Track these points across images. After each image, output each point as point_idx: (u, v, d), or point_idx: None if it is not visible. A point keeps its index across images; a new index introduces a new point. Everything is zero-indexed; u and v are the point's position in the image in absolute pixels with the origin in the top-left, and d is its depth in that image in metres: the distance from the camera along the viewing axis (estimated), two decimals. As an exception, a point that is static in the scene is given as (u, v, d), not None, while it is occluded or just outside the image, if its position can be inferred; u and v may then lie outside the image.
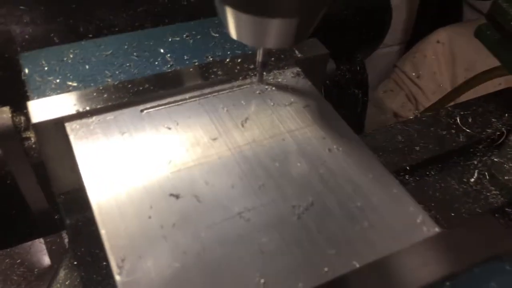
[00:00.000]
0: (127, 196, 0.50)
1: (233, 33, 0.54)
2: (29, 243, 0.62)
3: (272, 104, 0.61)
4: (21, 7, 0.71)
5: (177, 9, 0.77)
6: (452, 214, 0.80)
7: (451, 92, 1.39)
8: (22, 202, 0.66)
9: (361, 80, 1.20)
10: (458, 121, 0.91)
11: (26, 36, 0.71)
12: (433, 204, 0.80)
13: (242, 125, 0.58)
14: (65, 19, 0.73)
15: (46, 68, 0.63)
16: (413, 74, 1.95)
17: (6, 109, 0.59)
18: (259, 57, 0.60)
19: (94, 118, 0.57)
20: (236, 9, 0.49)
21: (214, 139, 0.56)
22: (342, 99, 1.09)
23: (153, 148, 0.55)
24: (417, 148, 0.87)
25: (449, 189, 0.83)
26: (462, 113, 0.92)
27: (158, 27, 0.71)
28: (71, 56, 0.65)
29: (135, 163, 0.53)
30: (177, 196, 0.50)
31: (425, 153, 0.86)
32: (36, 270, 0.59)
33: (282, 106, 0.61)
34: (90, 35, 0.74)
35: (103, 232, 0.47)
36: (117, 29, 0.73)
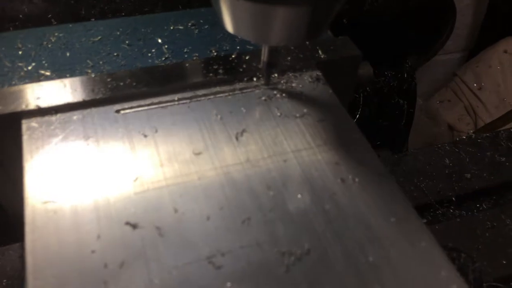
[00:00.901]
0: (72, 221, 0.39)
1: (229, 25, 0.42)
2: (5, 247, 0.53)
3: (278, 114, 0.48)
4: (17, -18, 0.62)
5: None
6: (504, 262, 0.64)
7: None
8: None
9: (408, 90, 1.05)
10: (522, 147, 0.75)
11: (20, 16, 0.62)
12: (480, 247, 0.65)
13: (237, 138, 0.46)
14: None
15: (20, 52, 0.53)
16: (475, 85, 1.75)
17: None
18: (264, 56, 0.47)
19: (58, 116, 0.47)
20: None
21: (198, 154, 0.44)
22: (383, 109, 0.95)
23: (119, 160, 0.43)
24: (468, 175, 0.72)
25: (502, 229, 0.67)
26: (528, 137, 0.76)
27: (161, 13, 0.60)
28: (53, 40, 0.55)
29: (93, 177, 0.42)
30: (134, 226, 0.39)
31: (477, 182, 0.71)
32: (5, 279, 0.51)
33: (291, 118, 0.48)
34: (93, 20, 0.63)
35: (29, 263, 0.36)
36: (123, 14, 0.63)
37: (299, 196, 0.41)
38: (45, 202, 0.40)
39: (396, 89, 1.02)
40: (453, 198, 0.69)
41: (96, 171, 0.42)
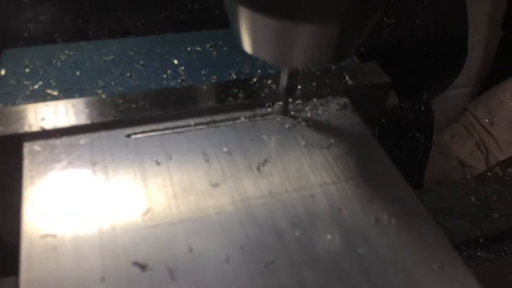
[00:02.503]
0: (73, 259, 0.33)
1: (247, 45, 0.38)
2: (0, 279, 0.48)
3: (303, 143, 0.43)
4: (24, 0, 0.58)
5: (206, 19, 0.61)
6: (537, 312, 0.58)
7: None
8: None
9: (425, 122, 1.00)
10: (553, 185, 0.70)
11: (25, 34, 0.58)
12: (510, 293, 0.59)
13: (258, 169, 0.41)
14: (73, 18, 0.59)
15: (27, 70, 0.49)
16: (486, 120, 1.71)
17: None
18: (283, 81, 0.43)
19: (63, 139, 0.42)
20: (251, 9, 0.33)
21: (216, 185, 0.39)
22: (399, 143, 0.90)
23: (128, 190, 0.38)
24: (496, 215, 0.66)
25: (534, 275, 0.62)
26: (558, 175, 0.71)
27: (177, 33, 0.56)
28: (63, 58, 0.51)
29: (99, 209, 0.37)
30: (143, 267, 0.33)
31: (505, 223, 0.66)
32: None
33: (317, 148, 0.43)
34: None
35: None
36: (132, 35, 0.59)
37: (328, 236, 0.36)
38: (44, 236, 0.35)
39: (413, 121, 0.97)
40: (481, 240, 0.63)
41: (103, 201, 0.37)
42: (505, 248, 0.64)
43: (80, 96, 0.46)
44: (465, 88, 1.84)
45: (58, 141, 0.42)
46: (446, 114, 1.79)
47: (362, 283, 0.33)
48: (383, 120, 0.80)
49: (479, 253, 0.63)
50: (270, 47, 0.36)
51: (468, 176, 1.69)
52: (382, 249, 0.36)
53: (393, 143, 0.94)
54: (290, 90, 0.43)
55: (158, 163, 0.41)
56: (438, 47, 0.89)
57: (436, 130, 1.84)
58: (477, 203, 0.67)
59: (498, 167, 1.44)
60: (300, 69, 0.46)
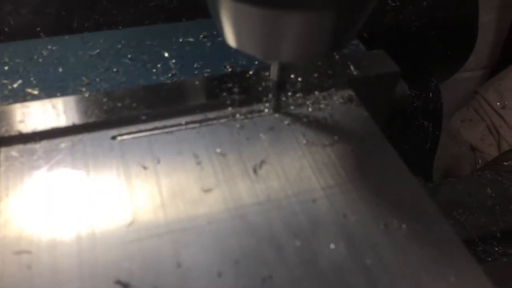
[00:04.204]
0: (50, 279, 0.30)
1: (230, 38, 0.33)
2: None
3: (304, 142, 0.39)
4: (4, -8, 0.54)
5: (199, 7, 0.57)
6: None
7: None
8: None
9: (433, 110, 0.95)
10: None
11: (6, 29, 0.54)
12: (530, 293, 0.55)
13: (255, 171, 0.37)
14: (57, 10, 0.55)
15: (6, 68, 0.45)
16: (498, 103, 1.65)
17: None
18: (274, 74, 0.38)
19: (42, 143, 0.38)
20: None
21: (208, 191, 0.36)
22: (406, 132, 0.85)
23: (112, 199, 0.35)
24: (514, 208, 0.62)
25: (556, 272, 0.58)
26: None
27: (169, 24, 0.52)
28: (45, 53, 0.47)
29: (79, 220, 0.33)
30: (126, 286, 0.30)
31: (524, 216, 0.61)
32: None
33: (320, 147, 0.39)
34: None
35: None
36: (120, 27, 0.55)
37: (332, 246, 0.32)
38: (18, 253, 0.31)
39: (420, 109, 0.92)
40: (498, 234, 0.59)
41: (84, 213, 0.34)
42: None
43: (62, 94, 0.43)
44: (475, 71, 1.78)
45: (37, 146, 0.38)
46: (455, 98, 1.73)
47: (371, 300, 0.30)
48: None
49: (496, 248, 0.59)
50: (256, 40, 0.32)
51: (480, 161, 1.64)
52: (392, 259, 0.32)
53: (400, 133, 0.90)
54: (282, 85, 0.39)
55: (145, 168, 0.37)
56: (446, 30, 0.84)
57: (445, 115, 1.78)
58: (493, 195, 0.63)
59: None
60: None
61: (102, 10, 0.55)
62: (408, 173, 0.37)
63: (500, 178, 0.65)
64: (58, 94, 0.42)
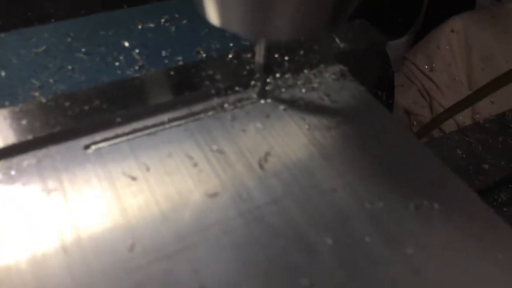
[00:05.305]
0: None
1: (213, 16, 0.28)
2: None
3: (307, 127, 0.35)
4: None
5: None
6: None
7: (481, 90, 1.14)
8: None
9: (385, 79, 0.94)
10: (533, 126, 0.66)
11: None
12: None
13: (261, 166, 0.32)
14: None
15: None
16: (426, 67, 1.70)
17: None
18: (260, 56, 0.34)
19: (0, 164, 0.31)
20: None
21: (213, 195, 0.30)
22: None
23: (102, 221, 0.29)
24: (486, 166, 0.62)
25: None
26: (535, 114, 0.68)
27: (121, 9, 0.45)
28: (-21, 56, 0.39)
29: (68, 253, 0.27)
30: (145, 326, 0.24)
31: (496, 172, 0.62)
32: None
33: (324, 130, 0.35)
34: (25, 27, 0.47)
35: None
36: (53, 20, 0.47)
37: (367, 239, 0.29)
38: (-2, 305, 0.25)
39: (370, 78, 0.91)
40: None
41: (71, 243, 0.27)
42: (496, 197, 0.60)
43: (12, 103, 0.35)
44: (402, 37, 1.81)
45: (-6, 168, 0.31)
46: (386, 66, 1.76)
47: (423, 293, 0.26)
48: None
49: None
50: (244, 16, 0.27)
51: (415, 123, 1.68)
52: (432, 243, 0.28)
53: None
54: (268, 68, 0.35)
55: (133, 178, 0.31)
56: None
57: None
58: (463, 156, 0.63)
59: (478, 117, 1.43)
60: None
61: (31, 3, 0.47)
62: (423, 147, 0.34)
63: (467, 138, 0.65)
64: (7, 103, 0.35)
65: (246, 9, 0.27)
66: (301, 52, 0.39)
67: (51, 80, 0.37)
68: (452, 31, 1.69)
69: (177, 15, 0.44)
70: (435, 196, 0.31)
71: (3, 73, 0.37)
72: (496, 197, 0.61)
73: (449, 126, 1.47)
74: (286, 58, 0.38)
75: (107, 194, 0.30)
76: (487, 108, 1.53)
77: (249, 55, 0.38)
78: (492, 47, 1.62)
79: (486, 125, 0.67)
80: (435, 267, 0.27)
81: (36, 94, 0.36)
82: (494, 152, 0.63)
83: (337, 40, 0.40)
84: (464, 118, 1.44)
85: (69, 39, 0.41)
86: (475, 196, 0.31)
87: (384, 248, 0.28)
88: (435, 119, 1.50)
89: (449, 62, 1.70)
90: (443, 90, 1.69)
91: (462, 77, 1.70)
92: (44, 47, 0.40)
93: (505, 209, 0.58)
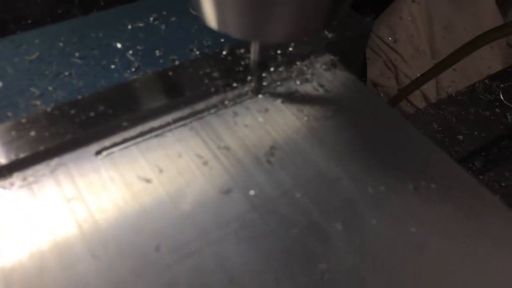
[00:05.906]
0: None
1: (211, 19, 0.29)
2: None
3: (305, 118, 0.37)
4: None
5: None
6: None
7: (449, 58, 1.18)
8: None
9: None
10: (501, 96, 0.70)
11: None
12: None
13: (268, 161, 0.34)
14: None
15: None
16: (390, 38, 1.73)
17: None
18: (255, 55, 0.35)
19: (15, 176, 0.31)
20: None
21: (227, 192, 0.32)
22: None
23: (125, 223, 0.30)
24: (460, 137, 0.65)
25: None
26: (503, 85, 0.71)
27: (109, 9, 0.45)
28: (-28, 68, 0.38)
29: (98, 257, 0.28)
30: (182, 321, 0.26)
31: (470, 143, 0.65)
32: None
33: (322, 120, 0.36)
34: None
35: None
36: (30, 21, 0.46)
37: (373, 222, 0.31)
38: (38, 315, 0.26)
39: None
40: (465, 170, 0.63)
41: (98, 248, 0.29)
42: (470, 165, 0.64)
43: (15, 113, 0.35)
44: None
45: (10, 180, 0.31)
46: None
47: (425, 267, 0.29)
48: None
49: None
50: (242, 18, 0.28)
51: (382, 95, 1.72)
52: (434, 222, 0.31)
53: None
54: (263, 65, 0.36)
55: (148, 181, 0.32)
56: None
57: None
58: (439, 129, 0.66)
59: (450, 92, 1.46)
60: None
61: (5, 5, 0.46)
62: (416, 131, 0.36)
63: (442, 112, 0.68)
64: (9, 114, 0.35)
65: (242, 12, 0.28)
66: (291, 43, 0.40)
67: (50, 88, 0.37)
68: (413, 1, 1.72)
69: (164, 12, 0.44)
70: (430, 176, 0.33)
71: (0, 83, 0.37)
72: (471, 165, 0.64)
73: (415, 96, 1.51)
74: (279, 51, 0.40)
75: (125, 198, 0.31)
76: (450, 75, 1.58)
77: (242, 51, 0.40)
78: (451, 16, 1.66)
79: (459, 97, 0.70)
80: (436, 243, 0.30)
81: (37, 103, 0.36)
82: (467, 124, 0.66)
83: (325, 30, 0.42)
84: (429, 87, 1.48)
85: (60, 44, 0.41)
86: (464, 172, 0.34)
87: (390, 229, 0.30)
88: (402, 90, 1.54)
89: (412, 33, 1.74)
90: (408, 61, 1.73)
91: (425, 47, 1.74)
92: (37, 54, 0.40)
93: (481, 176, 0.61)
